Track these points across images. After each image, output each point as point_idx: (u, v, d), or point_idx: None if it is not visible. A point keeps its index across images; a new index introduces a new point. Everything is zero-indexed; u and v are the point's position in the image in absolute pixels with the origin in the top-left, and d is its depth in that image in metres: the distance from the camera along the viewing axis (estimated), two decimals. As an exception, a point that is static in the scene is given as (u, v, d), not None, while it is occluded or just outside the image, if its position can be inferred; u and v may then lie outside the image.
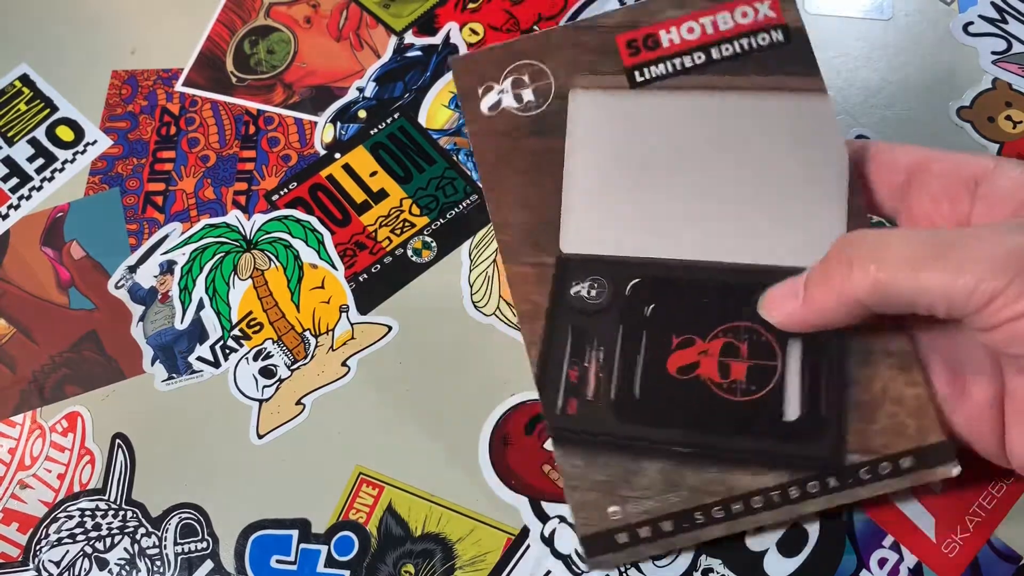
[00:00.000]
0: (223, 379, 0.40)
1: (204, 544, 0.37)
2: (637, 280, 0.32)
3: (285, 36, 0.48)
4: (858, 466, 0.29)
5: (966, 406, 0.29)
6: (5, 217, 0.45)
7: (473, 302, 0.40)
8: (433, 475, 0.37)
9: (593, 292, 0.32)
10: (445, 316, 0.40)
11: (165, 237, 0.43)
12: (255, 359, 0.40)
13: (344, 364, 0.39)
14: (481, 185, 0.33)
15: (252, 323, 0.41)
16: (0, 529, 0.38)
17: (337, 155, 0.44)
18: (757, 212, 0.32)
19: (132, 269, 0.43)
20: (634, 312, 0.31)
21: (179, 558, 0.37)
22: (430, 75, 0.46)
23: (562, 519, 0.36)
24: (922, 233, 0.26)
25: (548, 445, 0.37)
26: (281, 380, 0.39)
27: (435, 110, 0.45)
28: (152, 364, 0.41)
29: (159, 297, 0.42)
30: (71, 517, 0.38)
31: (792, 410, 0.30)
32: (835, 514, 0.35)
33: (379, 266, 0.41)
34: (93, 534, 0.38)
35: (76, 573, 0.37)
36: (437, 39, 0.47)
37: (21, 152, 0.47)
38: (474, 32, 0.47)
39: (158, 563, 0.37)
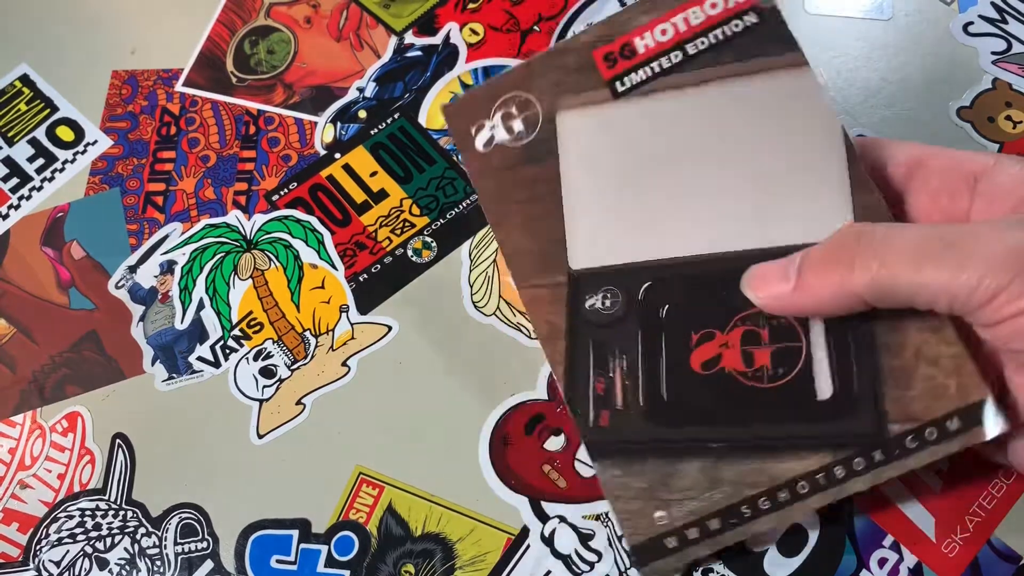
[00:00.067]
0: (223, 379, 0.40)
1: (204, 544, 0.37)
2: (648, 283, 0.32)
3: (285, 36, 0.48)
4: (902, 435, 0.28)
5: None
6: (5, 217, 0.45)
7: (473, 302, 0.40)
8: (433, 475, 0.37)
9: (608, 302, 0.32)
10: (445, 316, 0.40)
11: (165, 237, 0.43)
12: (255, 359, 0.40)
13: (344, 364, 0.39)
14: (487, 220, 0.34)
15: (252, 323, 0.41)
16: (0, 529, 0.38)
17: (337, 155, 0.44)
18: (758, 195, 0.31)
19: (132, 269, 0.43)
20: (650, 315, 0.31)
21: (179, 558, 0.37)
22: (430, 75, 0.46)
23: (562, 519, 0.36)
24: (924, 229, 0.26)
25: (550, 445, 0.37)
26: (281, 380, 0.39)
27: (435, 110, 0.45)
28: (152, 364, 0.41)
29: (159, 297, 0.42)
30: (71, 517, 0.38)
31: (824, 388, 0.29)
32: (835, 514, 0.35)
33: (379, 266, 0.41)
34: (93, 534, 0.38)
35: (76, 573, 0.37)
36: (437, 39, 0.47)
37: (21, 152, 0.47)
38: (474, 32, 0.47)
39: (158, 563, 0.37)
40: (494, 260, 0.41)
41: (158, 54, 0.48)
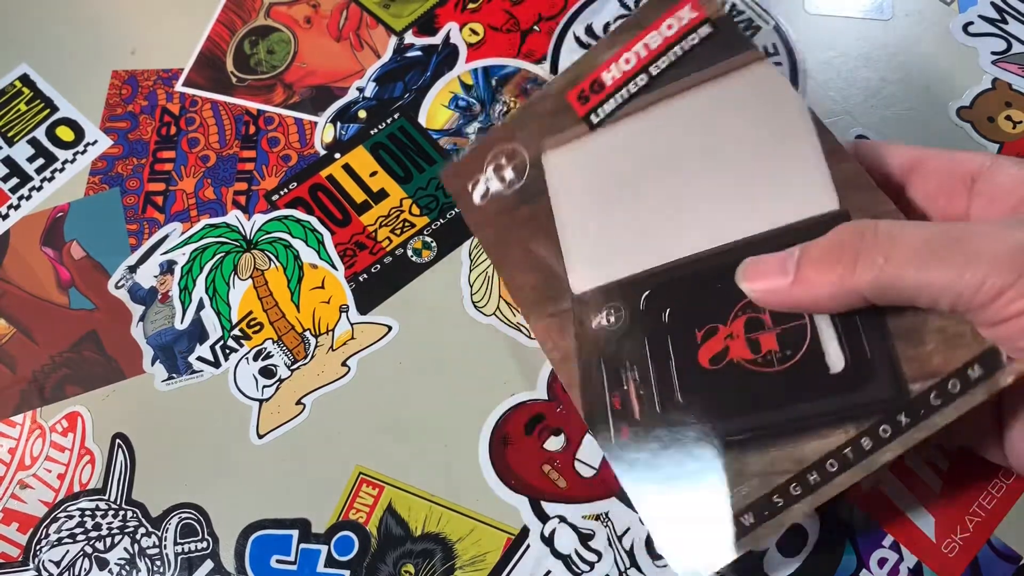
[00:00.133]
0: (223, 379, 0.40)
1: (204, 544, 0.37)
2: (648, 292, 0.32)
3: (285, 36, 0.48)
4: (925, 393, 0.27)
5: None
6: (5, 217, 0.45)
7: (473, 302, 0.40)
8: (433, 475, 0.37)
9: (612, 318, 0.32)
10: (445, 316, 0.40)
11: (165, 237, 0.43)
12: (255, 359, 0.40)
13: (344, 364, 0.39)
14: (491, 263, 0.35)
15: (252, 323, 0.41)
16: (0, 529, 0.38)
17: (337, 155, 0.44)
18: (739, 187, 0.32)
19: (132, 269, 0.43)
20: (653, 322, 0.32)
21: (179, 558, 0.37)
22: (430, 75, 0.46)
23: (562, 519, 0.36)
24: (928, 227, 0.26)
25: (550, 444, 0.37)
26: (281, 380, 0.39)
27: (435, 110, 0.45)
28: (152, 364, 0.41)
29: (159, 297, 0.42)
30: (71, 517, 0.38)
31: (836, 361, 0.28)
32: (835, 514, 0.35)
33: (379, 266, 0.41)
34: (93, 534, 0.38)
35: (76, 573, 0.37)
36: (437, 39, 0.47)
37: (21, 152, 0.47)
38: (474, 32, 0.47)
39: (158, 563, 0.37)
40: (494, 260, 0.41)
41: (158, 54, 0.48)
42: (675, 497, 0.29)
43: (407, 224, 0.42)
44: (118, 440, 0.39)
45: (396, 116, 0.45)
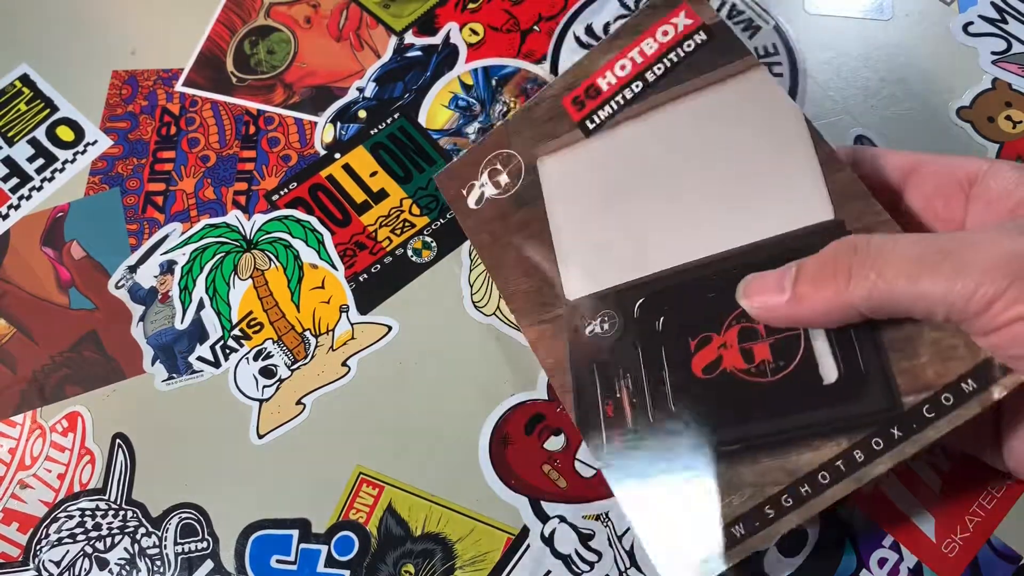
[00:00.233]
0: (223, 379, 0.40)
1: (204, 544, 0.37)
2: (642, 300, 0.32)
3: (285, 36, 0.48)
4: (918, 406, 0.27)
5: None
6: (5, 217, 0.45)
7: (473, 302, 0.40)
8: (433, 475, 0.37)
9: (606, 325, 0.32)
10: (445, 316, 0.40)
11: (165, 237, 0.43)
12: (255, 359, 0.40)
13: (344, 364, 0.39)
14: (485, 268, 0.36)
15: (252, 323, 0.41)
16: (0, 529, 0.38)
17: (337, 155, 0.44)
18: (734, 195, 0.32)
19: (132, 269, 0.43)
20: (647, 330, 0.32)
21: (179, 558, 0.37)
22: (430, 75, 0.46)
23: (562, 519, 0.36)
24: (920, 239, 0.26)
25: (550, 444, 0.37)
26: (281, 380, 0.39)
27: (435, 110, 0.45)
28: (152, 364, 0.41)
29: (159, 297, 0.42)
30: (71, 517, 0.38)
31: (830, 372, 0.28)
32: (835, 514, 0.35)
33: (379, 266, 0.41)
34: (93, 534, 0.38)
35: (76, 573, 0.37)
36: (437, 39, 0.47)
37: (21, 152, 0.47)
38: (474, 32, 0.47)
39: (158, 563, 0.37)
40: (494, 260, 0.41)
41: (158, 54, 0.48)
42: (666, 506, 0.29)
43: (407, 224, 0.42)
44: (118, 440, 0.39)
45: (396, 116, 0.45)
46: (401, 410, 0.38)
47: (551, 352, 0.33)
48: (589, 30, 0.47)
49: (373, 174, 0.44)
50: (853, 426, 0.28)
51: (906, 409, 0.27)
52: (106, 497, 0.38)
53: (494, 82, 0.45)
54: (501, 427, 0.37)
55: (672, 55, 0.34)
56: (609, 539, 0.35)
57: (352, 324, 0.40)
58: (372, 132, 0.45)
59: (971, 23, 0.45)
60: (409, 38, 0.47)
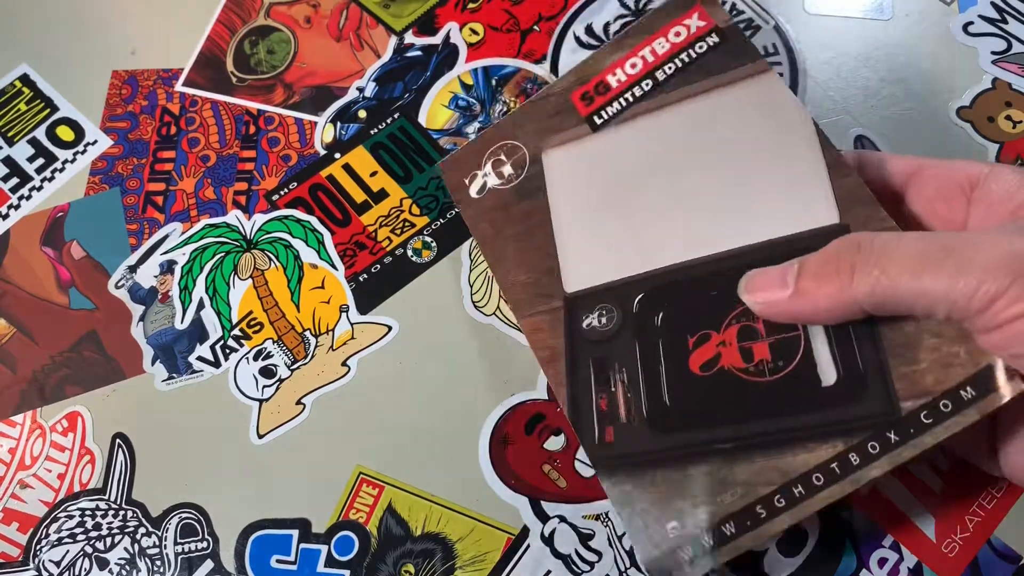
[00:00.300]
0: (223, 379, 0.40)
1: (204, 544, 0.37)
2: (641, 295, 0.32)
3: (285, 36, 0.48)
4: (916, 412, 0.27)
5: None
6: (5, 217, 0.45)
7: (473, 302, 0.40)
8: (433, 475, 0.37)
9: (604, 319, 0.32)
10: (445, 316, 0.40)
11: (165, 237, 0.43)
12: (255, 359, 0.40)
13: (344, 364, 0.39)
14: (484, 259, 0.36)
15: (252, 323, 0.41)
16: (0, 529, 0.38)
17: (337, 155, 0.44)
18: (740, 195, 0.32)
19: (132, 269, 0.43)
20: (646, 325, 0.32)
21: (179, 558, 0.37)
22: (430, 75, 0.46)
23: (562, 519, 0.36)
24: (923, 237, 0.26)
25: (550, 444, 0.37)
26: (281, 380, 0.39)
27: (435, 110, 0.45)
28: (152, 364, 0.41)
29: (159, 297, 0.42)
30: (71, 517, 0.38)
31: (828, 374, 0.28)
32: (835, 514, 0.35)
33: (379, 266, 0.41)
34: (93, 534, 0.38)
35: (76, 573, 0.37)
36: (437, 39, 0.47)
37: (21, 152, 0.47)
38: (474, 32, 0.47)
39: (158, 563, 0.37)
40: (494, 260, 0.41)
41: (158, 54, 0.48)
42: (655, 503, 0.29)
43: (407, 224, 0.42)
44: (118, 440, 0.39)
45: (396, 116, 0.45)
46: (401, 410, 0.38)
47: (546, 343, 0.33)
48: (589, 30, 0.47)
49: (373, 174, 0.44)
50: (850, 429, 0.27)
51: (904, 414, 0.27)
52: (106, 497, 0.38)
53: (494, 82, 0.45)
54: (501, 427, 0.37)
55: (683, 55, 0.34)
56: (609, 539, 0.35)
57: (352, 324, 0.40)
58: (372, 132, 0.45)
59: (971, 23, 0.45)
60: (409, 38, 0.47)
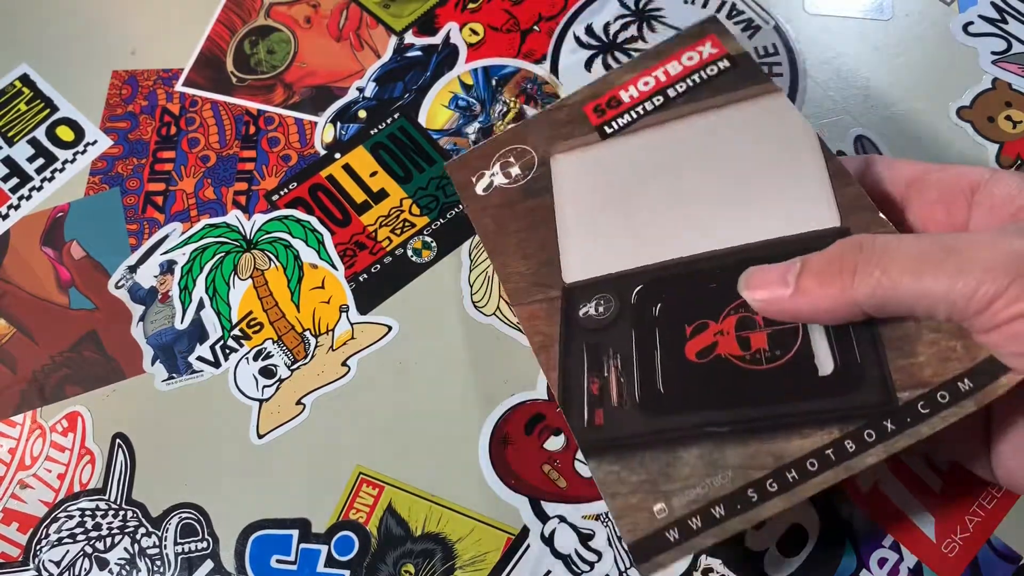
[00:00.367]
0: (223, 379, 0.40)
1: (204, 544, 0.37)
2: (640, 287, 0.32)
3: (285, 36, 0.48)
4: (913, 402, 0.27)
5: None
6: (5, 217, 0.45)
7: (473, 302, 0.40)
8: (433, 475, 0.37)
9: (600, 308, 0.32)
10: (445, 316, 0.40)
11: (165, 237, 0.43)
12: (255, 359, 0.40)
13: (344, 364, 0.39)
14: (484, 250, 0.36)
15: (252, 323, 0.41)
16: (0, 529, 0.38)
17: (337, 155, 0.44)
18: (741, 196, 0.32)
19: (132, 269, 0.43)
20: (643, 315, 0.32)
21: (179, 558, 0.37)
22: (430, 75, 0.46)
23: (562, 519, 0.36)
24: (924, 238, 0.26)
25: (550, 444, 0.37)
26: (281, 380, 0.39)
27: (435, 110, 0.45)
28: (152, 364, 0.41)
29: (159, 297, 0.42)
30: (71, 517, 0.38)
31: (826, 364, 0.29)
32: (835, 514, 0.35)
33: (379, 266, 0.41)
34: (93, 534, 0.38)
35: (76, 573, 0.37)
36: (437, 39, 0.47)
37: (21, 152, 0.47)
38: (474, 32, 0.47)
39: (158, 563, 0.37)
40: (494, 260, 0.41)
41: (158, 54, 0.48)
42: (643, 485, 0.29)
43: (407, 224, 0.42)
44: (118, 440, 0.39)
45: (396, 116, 0.45)
46: (401, 410, 0.38)
47: (541, 331, 0.33)
48: (589, 30, 0.47)
49: (373, 174, 0.44)
50: (846, 417, 0.28)
51: (901, 404, 0.27)
52: (106, 497, 0.38)
53: (494, 82, 0.45)
54: (501, 427, 0.37)
55: (695, 76, 0.36)
56: (609, 539, 0.35)
57: (352, 324, 0.40)
58: (372, 132, 0.45)
59: (971, 23, 0.45)
60: (409, 38, 0.47)
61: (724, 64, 0.35)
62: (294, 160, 0.44)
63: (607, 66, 0.45)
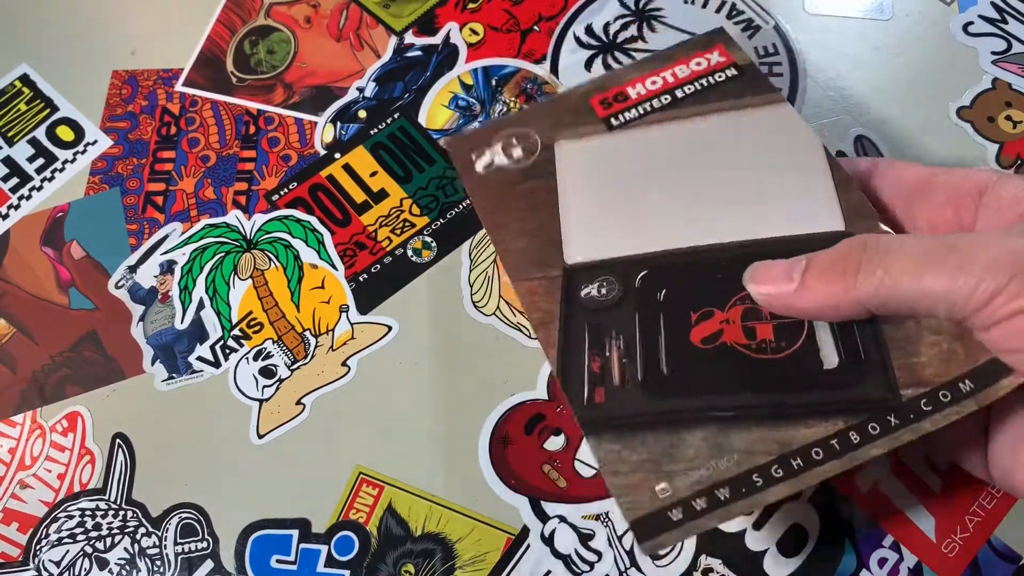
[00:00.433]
0: (223, 379, 0.40)
1: (204, 544, 0.37)
2: (645, 272, 0.32)
3: (285, 36, 0.48)
4: (916, 399, 0.27)
5: None
6: (5, 217, 0.45)
7: (473, 302, 0.40)
8: (433, 475, 0.37)
9: (603, 290, 0.32)
10: (445, 316, 0.40)
11: (165, 237, 0.43)
12: (255, 359, 0.40)
13: (344, 364, 0.39)
14: (485, 229, 0.35)
15: (252, 323, 0.41)
16: (0, 529, 0.38)
17: (337, 155, 0.44)
18: (748, 195, 0.33)
19: (132, 269, 0.43)
20: (648, 300, 0.31)
21: (179, 558, 0.37)
22: (430, 75, 0.46)
23: (562, 519, 0.36)
24: (926, 239, 0.26)
25: (550, 444, 0.37)
26: (281, 380, 0.39)
27: (435, 110, 0.45)
28: (152, 364, 0.41)
29: (159, 297, 0.42)
30: (71, 517, 0.38)
31: (831, 358, 0.29)
32: (835, 514, 0.35)
33: (379, 266, 0.41)
34: (93, 534, 0.38)
35: (76, 573, 0.37)
36: (437, 39, 0.47)
37: (21, 152, 0.47)
38: (474, 32, 0.47)
39: (158, 563, 0.37)
40: (494, 260, 0.41)
41: (158, 54, 0.48)
42: (644, 464, 0.29)
43: (407, 224, 0.42)
44: (118, 440, 0.39)
45: (396, 116, 0.45)
46: (401, 410, 0.38)
47: (540, 307, 0.32)
48: (589, 30, 0.47)
49: (373, 174, 0.44)
50: (851, 409, 0.28)
51: (904, 400, 0.27)
52: (106, 497, 0.38)
53: (494, 82, 0.45)
54: (501, 427, 0.37)
55: (703, 80, 0.36)
56: (609, 539, 0.35)
57: (352, 324, 0.40)
58: (372, 132, 0.45)
59: (971, 23, 0.45)
60: (409, 38, 0.47)
61: (731, 72, 0.36)
62: (294, 160, 0.44)
63: (607, 66, 0.45)
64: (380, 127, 0.45)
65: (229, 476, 0.38)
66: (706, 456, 0.28)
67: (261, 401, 0.39)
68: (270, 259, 0.42)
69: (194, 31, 0.49)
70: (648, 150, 0.35)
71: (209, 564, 0.36)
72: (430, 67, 0.46)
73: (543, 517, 0.36)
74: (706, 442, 0.29)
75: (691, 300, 0.31)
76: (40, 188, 0.46)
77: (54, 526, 0.38)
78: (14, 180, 0.46)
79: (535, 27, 0.47)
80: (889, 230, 0.30)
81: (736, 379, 0.29)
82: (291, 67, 0.47)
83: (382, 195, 0.43)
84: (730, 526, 0.35)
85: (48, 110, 0.47)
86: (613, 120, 0.36)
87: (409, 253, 0.42)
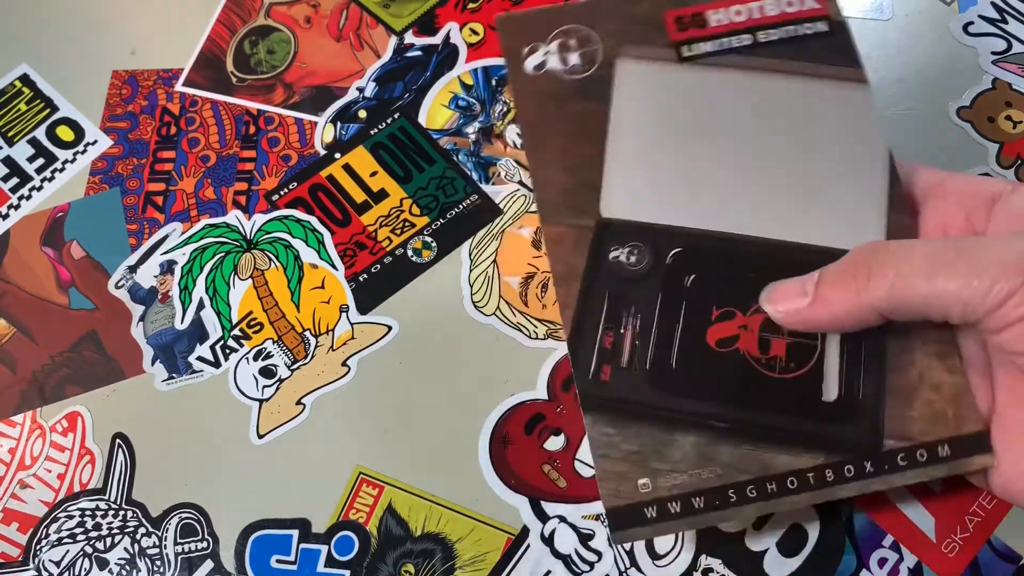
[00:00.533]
0: (223, 379, 0.40)
1: (204, 544, 0.37)
2: (679, 249, 0.31)
3: (285, 36, 0.48)
4: (895, 452, 0.28)
5: None
6: (5, 217, 0.45)
7: (473, 302, 0.40)
8: (433, 475, 0.37)
9: (632, 258, 0.31)
10: (445, 316, 0.40)
11: (165, 237, 0.43)
12: (255, 359, 0.40)
13: (344, 364, 0.39)
14: (522, 144, 0.34)
15: (252, 323, 0.41)
16: (0, 529, 0.38)
17: (337, 155, 0.44)
18: (799, 191, 0.32)
19: (132, 269, 0.43)
20: (674, 281, 0.31)
21: (179, 558, 0.37)
22: (430, 75, 0.46)
23: (562, 519, 0.36)
24: (938, 242, 0.27)
25: (550, 444, 0.37)
26: (281, 380, 0.39)
27: (435, 110, 0.45)
28: (152, 364, 0.41)
29: (159, 297, 0.42)
30: (71, 517, 0.38)
31: (831, 390, 0.29)
32: (835, 514, 0.35)
33: (379, 266, 0.41)
34: (93, 534, 0.38)
35: (76, 573, 0.37)
36: (437, 39, 0.47)
37: (21, 152, 0.47)
38: (474, 32, 0.47)
39: (158, 563, 0.37)
40: (494, 260, 0.41)
41: (158, 54, 0.48)
42: (632, 456, 0.29)
43: (407, 224, 0.42)
44: (118, 440, 0.39)
45: (396, 116, 0.45)
46: (401, 410, 0.38)
47: (566, 259, 0.31)
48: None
49: (373, 174, 0.44)
50: (834, 447, 0.29)
51: (884, 450, 0.28)
52: (106, 497, 0.38)
53: (494, 82, 0.45)
54: (501, 427, 0.37)
55: (790, 28, 0.33)
56: (609, 539, 0.35)
57: (352, 324, 0.40)
58: (372, 132, 0.45)
59: (971, 23, 0.45)
60: (409, 38, 0.47)
61: (821, 27, 0.33)
62: (294, 160, 0.44)
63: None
64: (380, 127, 0.45)
65: (229, 476, 0.38)
66: (692, 463, 0.29)
67: (261, 401, 0.39)
68: (270, 259, 0.42)
69: (194, 31, 0.49)
70: (714, 102, 0.32)
71: (209, 564, 0.36)
72: (430, 67, 0.46)
73: (543, 517, 0.36)
74: (696, 449, 0.29)
75: (717, 295, 0.31)
76: (40, 188, 0.46)
77: (54, 526, 0.38)
78: (14, 180, 0.46)
79: (535, 27, 0.47)
80: None
81: (740, 392, 0.30)
82: (291, 67, 0.47)
83: (382, 195, 0.43)
84: (730, 526, 0.35)
85: (48, 110, 0.47)
86: (685, 49, 0.33)
87: (409, 253, 0.42)
